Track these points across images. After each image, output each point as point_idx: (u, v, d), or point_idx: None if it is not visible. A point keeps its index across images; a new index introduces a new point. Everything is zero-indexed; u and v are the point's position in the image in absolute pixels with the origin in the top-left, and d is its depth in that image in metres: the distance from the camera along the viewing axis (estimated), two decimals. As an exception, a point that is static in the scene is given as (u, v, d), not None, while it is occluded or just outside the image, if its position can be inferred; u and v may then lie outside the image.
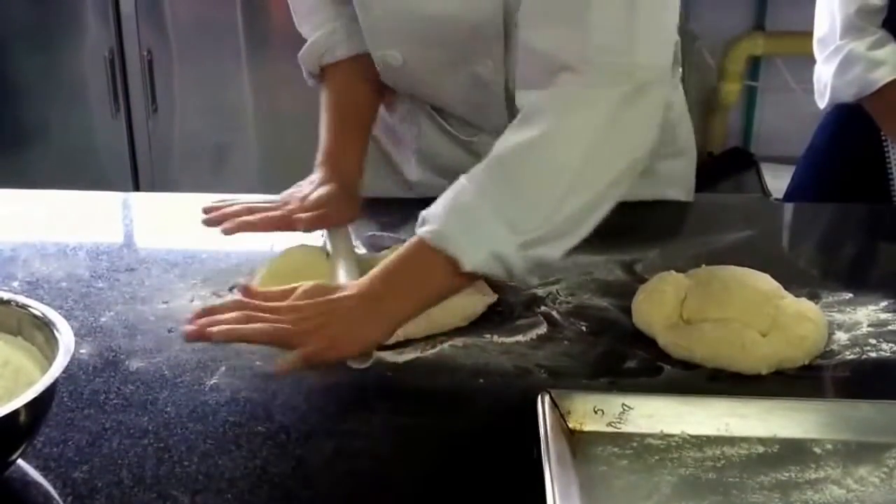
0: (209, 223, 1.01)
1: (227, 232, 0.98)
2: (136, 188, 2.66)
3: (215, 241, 1.10)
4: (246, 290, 0.87)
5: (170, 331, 0.94)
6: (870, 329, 0.95)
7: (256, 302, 0.85)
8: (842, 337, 0.94)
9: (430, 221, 0.86)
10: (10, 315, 0.80)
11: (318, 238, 1.06)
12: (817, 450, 0.79)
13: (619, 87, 0.87)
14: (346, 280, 0.94)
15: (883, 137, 1.38)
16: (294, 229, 1.02)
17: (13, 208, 1.23)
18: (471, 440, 0.80)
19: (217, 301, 0.98)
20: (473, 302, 0.96)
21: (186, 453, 0.78)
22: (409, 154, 1.24)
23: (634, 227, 1.14)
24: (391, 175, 1.27)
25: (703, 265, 1.01)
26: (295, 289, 0.86)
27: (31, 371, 0.77)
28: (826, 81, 1.35)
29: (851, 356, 0.92)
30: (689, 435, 0.79)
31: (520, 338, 0.93)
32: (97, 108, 2.58)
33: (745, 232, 1.14)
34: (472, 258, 0.84)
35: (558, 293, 1.01)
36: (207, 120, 2.63)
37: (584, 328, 0.95)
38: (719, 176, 2.84)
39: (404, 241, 1.02)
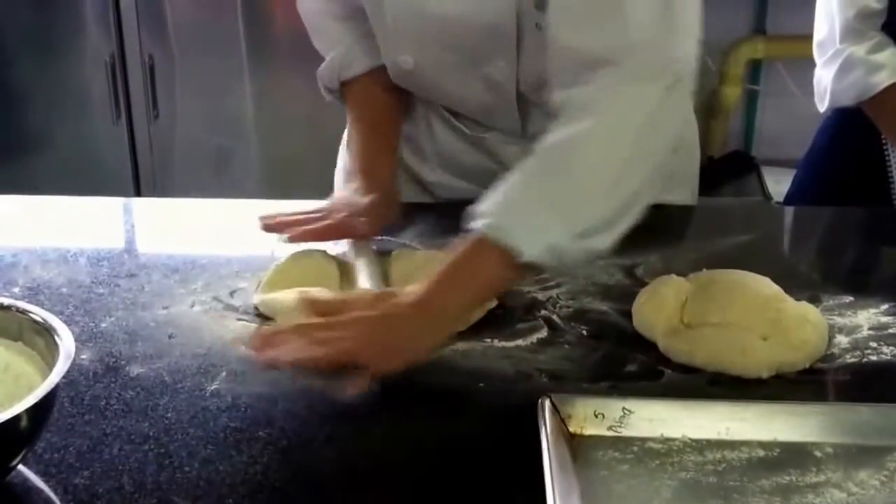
0: (268, 229, 1.02)
1: (292, 240, 1.00)
2: (138, 193, 2.66)
3: (216, 247, 1.10)
4: (305, 302, 0.87)
5: (170, 336, 0.94)
6: (870, 332, 0.95)
7: (317, 321, 0.85)
8: (842, 340, 0.94)
9: (485, 215, 0.87)
10: (10, 320, 0.81)
11: (322, 245, 1.06)
12: (818, 453, 0.79)
13: (659, 81, 0.91)
14: (369, 285, 0.95)
15: (883, 140, 1.38)
16: (354, 236, 1.04)
17: (14, 214, 1.23)
18: (471, 444, 0.80)
19: (219, 306, 0.98)
20: (474, 306, 0.96)
21: (187, 459, 0.78)
22: (425, 156, 1.25)
23: (635, 231, 1.13)
24: (409, 179, 1.27)
25: (704, 269, 1.01)
26: (351, 299, 0.87)
27: (32, 376, 0.78)
28: (826, 85, 1.35)
29: (852, 359, 0.92)
30: (689, 439, 0.79)
31: (520, 342, 0.93)
32: (98, 113, 2.59)
33: (746, 235, 1.14)
34: (530, 250, 0.85)
35: (559, 297, 1.01)
36: (208, 125, 2.63)
37: (584, 332, 0.95)
38: (720, 179, 2.84)
39: (405, 244, 1.03)
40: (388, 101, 1.20)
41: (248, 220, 1.16)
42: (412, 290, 0.86)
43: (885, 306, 1.00)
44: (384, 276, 1.00)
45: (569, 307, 0.99)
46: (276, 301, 0.96)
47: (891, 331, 0.96)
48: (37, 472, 0.76)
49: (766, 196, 2.74)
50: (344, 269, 1.03)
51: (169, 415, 0.83)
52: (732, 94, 2.82)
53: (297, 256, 1.03)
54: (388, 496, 0.75)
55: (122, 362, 0.90)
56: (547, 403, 0.79)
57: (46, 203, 1.26)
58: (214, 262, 1.07)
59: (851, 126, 1.40)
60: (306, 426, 0.82)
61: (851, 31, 1.31)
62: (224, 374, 0.88)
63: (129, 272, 1.05)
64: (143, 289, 1.02)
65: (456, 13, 1.03)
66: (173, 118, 2.62)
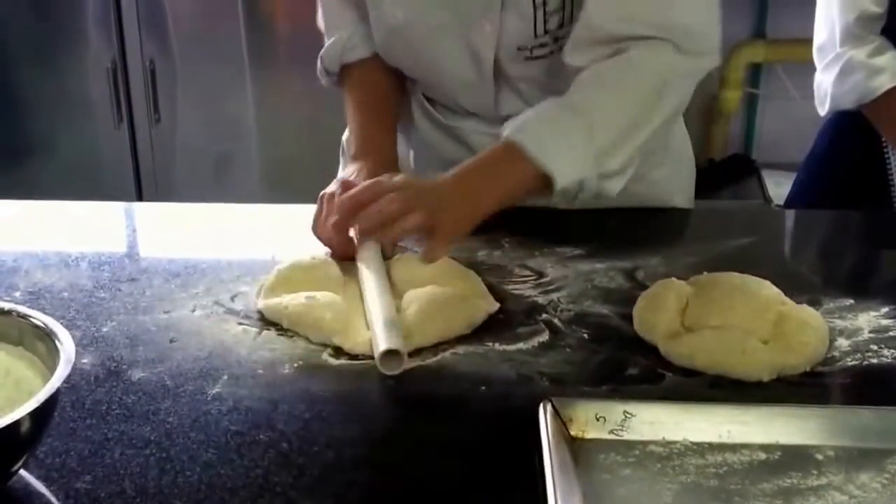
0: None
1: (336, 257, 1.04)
2: (139, 198, 2.67)
3: (217, 251, 1.10)
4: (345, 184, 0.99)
5: (172, 341, 0.94)
6: (871, 335, 0.95)
7: (368, 201, 0.93)
8: (843, 343, 0.94)
9: (526, 132, 0.98)
10: (11, 325, 0.81)
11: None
12: (819, 456, 0.79)
13: (688, 55, 1.04)
14: (375, 285, 0.96)
15: (883, 144, 1.38)
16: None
17: (15, 218, 1.23)
18: (473, 448, 0.80)
19: (220, 310, 0.98)
20: (475, 310, 0.97)
21: (189, 463, 0.78)
22: (406, 150, 1.27)
23: (636, 235, 1.14)
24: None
25: (705, 272, 1.01)
26: (380, 182, 0.95)
27: (33, 381, 0.78)
28: (826, 89, 1.35)
29: (853, 362, 0.92)
30: (691, 442, 0.79)
31: (521, 345, 0.94)
32: (100, 118, 2.59)
33: (747, 238, 1.14)
34: (563, 179, 0.98)
35: (559, 301, 1.01)
36: (210, 130, 2.64)
37: (585, 336, 0.95)
38: (721, 182, 2.84)
39: (406, 248, 1.03)
40: (388, 85, 1.22)
41: (249, 224, 1.17)
42: (444, 177, 0.97)
43: (885, 309, 1.00)
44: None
45: (570, 311, 0.99)
46: (279, 305, 0.96)
47: (891, 333, 0.96)
48: (38, 477, 0.76)
49: (766, 199, 2.75)
50: (347, 273, 1.03)
51: (170, 419, 0.83)
52: (733, 97, 2.83)
53: (299, 260, 1.03)
54: (389, 499, 0.75)
55: (124, 367, 0.90)
56: (548, 407, 0.79)
57: (48, 207, 1.26)
58: (215, 267, 1.07)
59: (852, 129, 1.40)
60: (308, 430, 0.82)
61: (852, 35, 1.31)
62: (225, 377, 0.88)
63: (131, 276, 1.05)
64: (145, 293, 1.02)
65: None
66: (174, 123, 2.62)
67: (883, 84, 1.29)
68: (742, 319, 0.93)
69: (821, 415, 0.81)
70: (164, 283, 1.04)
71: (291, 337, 0.94)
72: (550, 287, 1.03)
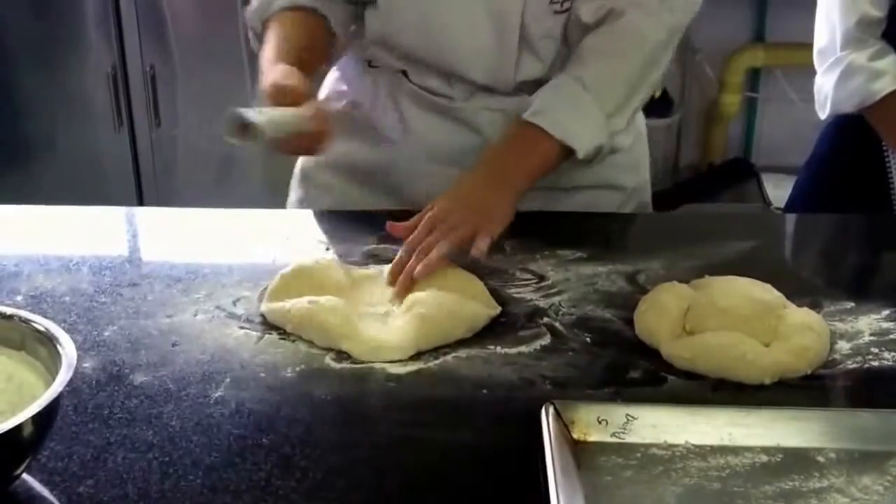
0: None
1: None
2: (140, 202, 2.67)
3: (218, 256, 1.10)
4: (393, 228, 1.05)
5: (174, 345, 0.94)
6: (871, 338, 0.96)
7: (420, 236, 1.02)
8: (844, 346, 0.94)
9: (545, 113, 1.09)
10: (13, 330, 0.81)
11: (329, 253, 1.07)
12: (821, 459, 0.79)
13: (671, 26, 1.16)
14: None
15: (884, 147, 1.38)
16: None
17: (17, 223, 1.23)
18: (475, 451, 0.80)
19: (222, 315, 0.98)
20: (477, 314, 0.97)
21: (191, 467, 0.78)
22: (395, 143, 1.26)
23: (637, 238, 1.15)
24: (384, 187, 1.27)
25: (706, 275, 1.02)
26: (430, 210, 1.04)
27: (35, 385, 0.78)
28: (827, 92, 1.35)
29: (853, 365, 0.92)
30: (692, 445, 0.80)
31: (523, 349, 0.94)
32: (101, 122, 2.60)
33: (748, 242, 1.14)
34: (585, 149, 1.10)
35: (561, 304, 1.01)
36: (210, 134, 2.64)
37: (587, 339, 0.95)
38: (720, 186, 2.85)
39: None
40: (311, 28, 1.18)
41: (250, 229, 1.17)
42: (473, 175, 1.08)
43: (885, 312, 1.00)
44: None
45: (571, 314, 0.99)
46: (283, 309, 0.97)
47: (892, 336, 0.96)
48: (41, 481, 0.76)
49: (766, 202, 2.75)
50: (351, 277, 1.03)
51: (173, 423, 0.83)
52: (732, 101, 2.83)
53: (303, 264, 1.03)
54: (391, 502, 0.75)
55: (126, 371, 0.90)
56: (550, 410, 0.79)
57: (49, 212, 1.26)
58: (217, 271, 1.07)
59: (852, 133, 1.40)
60: (310, 433, 0.82)
61: (852, 39, 1.31)
62: (228, 381, 0.88)
63: (132, 281, 1.05)
64: (146, 298, 1.02)
65: None
66: (175, 127, 2.62)
67: (884, 87, 1.29)
68: (743, 323, 0.93)
69: (822, 417, 0.82)
70: (166, 287, 1.04)
71: (293, 341, 0.95)
72: (552, 291, 1.03)
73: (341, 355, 0.92)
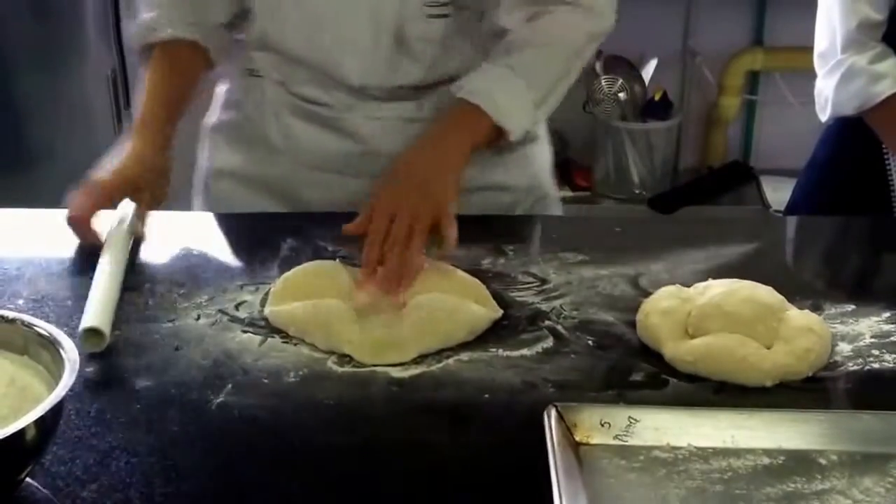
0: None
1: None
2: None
3: (220, 260, 1.10)
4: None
5: (176, 349, 0.94)
6: (872, 340, 0.96)
7: (380, 240, 1.02)
8: (845, 348, 0.95)
9: (482, 94, 1.12)
10: (16, 334, 0.81)
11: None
12: (822, 461, 0.79)
13: (595, 24, 1.20)
14: (108, 268, 1.02)
15: (884, 150, 1.38)
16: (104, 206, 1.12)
17: (18, 226, 1.23)
18: (478, 454, 0.80)
19: (224, 318, 0.98)
20: (479, 317, 0.97)
21: (194, 472, 0.78)
22: (279, 157, 1.26)
23: (638, 241, 1.15)
24: (280, 195, 1.28)
25: (708, 278, 1.02)
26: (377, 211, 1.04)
27: (38, 390, 0.78)
28: (828, 95, 1.35)
29: (855, 367, 0.92)
30: (695, 447, 0.80)
31: (525, 352, 0.94)
32: (100, 127, 2.59)
33: (749, 245, 1.14)
34: (517, 132, 1.15)
35: (563, 307, 1.01)
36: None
37: (589, 342, 0.96)
38: (720, 189, 2.85)
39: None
40: (186, 68, 1.23)
41: (252, 233, 1.17)
42: (408, 159, 1.10)
43: (886, 314, 1.00)
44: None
45: (573, 317, 0.99)
46: (287, 312, 0.97)
47: (892, 339, 0.96)
48: (44, 486, 0.76)
49: (765, 205, 2.76)
50: (354, 280, 1.03)
51: (175, 427, 0.83)
52: (731, 104, 2.84)
53: (306, 267, 1.04)
54: (395, 507, 0.76)
55: (128, 375, 0.90)
56: (553, 413, 0.79)
57: (50, 215, 1.26)
58: (219, 275, 1.07)
59: (852, 136, 1.40)
60: (313, 437, 0.82)
61: (853, 42, 1.31)
62: (230, 386, 0.88)
63: (134, 285, 1.05)
64: (148, 302, 1.02)
65: None
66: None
67: (884, 90, 1.30)
68: (745, 325, 0.93)
69: (824, 419, 0.82)
70: (168, 291, 1.04)
71: (296, 345, 0.95)
72: (554, 294, 1.03)
73: (343, 359, 0.92)
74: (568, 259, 1.10)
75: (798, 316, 0.96)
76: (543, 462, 0.76)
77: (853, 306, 1.01)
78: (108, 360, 0.92)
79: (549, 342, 0.95)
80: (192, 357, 0.92)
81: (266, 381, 0.89)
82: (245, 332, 0.97)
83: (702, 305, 0.96)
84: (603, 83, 2.70)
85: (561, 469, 0.74)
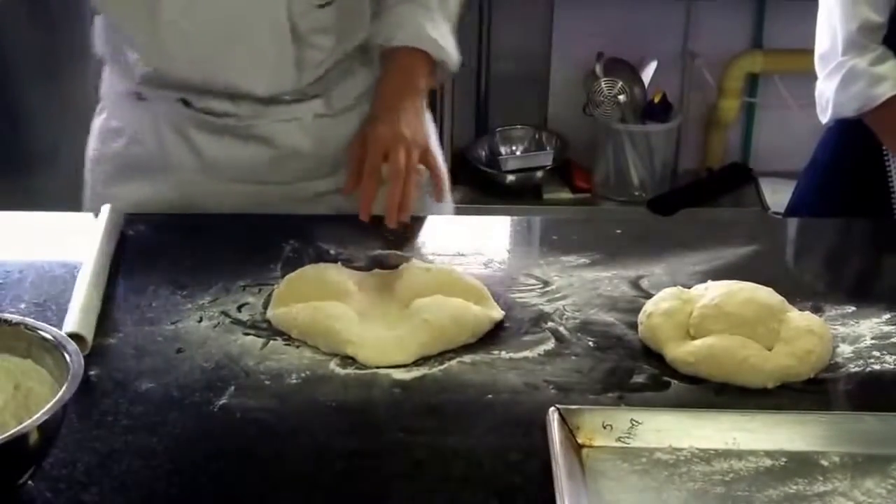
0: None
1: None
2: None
3: (223, 262, 1.10)
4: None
5: (178, 351, 0.94)
6: (873, 342, 0.96)
7: (378, 173, 1.09)
8: (846, 350, 0.95)
9: (422, 38, 1.17)
10: (19, 338, 0.81)
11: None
12: (824, 462, 0.79)
13: None
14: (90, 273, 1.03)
15: (884, 152, 1.39)
16: None
17: (20, 230, 1.23)
18: (480, 456, 0.80)
19: (227, 321, 0.99)
20: (481, 319, 0.97)
21: (196, 474, 0.78)
22: (193, 175, 1.24)
23: (639, 243, 1.15)
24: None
25: (708, 280, 1.02)
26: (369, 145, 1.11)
27: (41, 393, 0.78)
28: (828, 97, 1.36)
29: (856, 369, 0.92)
30: (697, 449, 0.80)
31: (527, 353, 0.94)
32: (101, 131, 2.59)
33: (749, 247, 1.14)
34: (455, 63, 1.21)
35: (565, 309, 1.01)
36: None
37: (591, 343, 0.96)
38: (719, 191, 2.85)
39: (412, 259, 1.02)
40: None
41: (254, 235, 1.17)
42: (390, 104, 1.15)
43: (886, 315, 1.00)
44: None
45: (575, 319, 1.00)
46: (290, 315, 0.97)
47: (893, 340, 0.96)
48: (46, 489, 0.76)
49: (764, 207, 2.76)
50: (357, 281, 1.03)
51: (177, 430, 0.83)
52: (731, 107, 2.84)
53: (309, 269, 1.04)
54: (397, 509, 0.76)
55: (131, 378, 0.90)
56: (555, 415, 0.80)
57: (52, 219, 1.26)
58: (221, 277, 1.07)
59: (853, 137, 1.40)
60: (315, 439, 0.82)
61: (854, 44, 1.32)
62: (233, 388, 0.89)
63: (137, 288, 1.05)
64: (151, 304, 1.02)
65: None
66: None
67: (885, 92, 1.30)
68: (746, 327, 0.93)
69: (825, 421, 0.82)
70: (171, 293, 1.04)
71: (298, 347, 0.95)
72: (556, 295, 1.04)
73: (346, 361, 0.93)
74: (570, 261, 1.10)
75: (799, 317, 0.96)
76: (546, 464, 0.76)
77: (854, 308, 1.01)
78: (110, 363, 0.92)
79: (550, 344, 0.95)
80: (195, 359, 0.93)
81: (268, 383, 0.89)
82: (247, 334, 0.97)
83: (703, 307, 0.96)
84: (603, 85, 2.70)
85: (564, 471, 0.74)
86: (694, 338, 0.94)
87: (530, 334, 0.97)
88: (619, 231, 1.19)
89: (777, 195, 2.62)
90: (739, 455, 0.79)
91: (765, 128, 2.91)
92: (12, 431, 0.69)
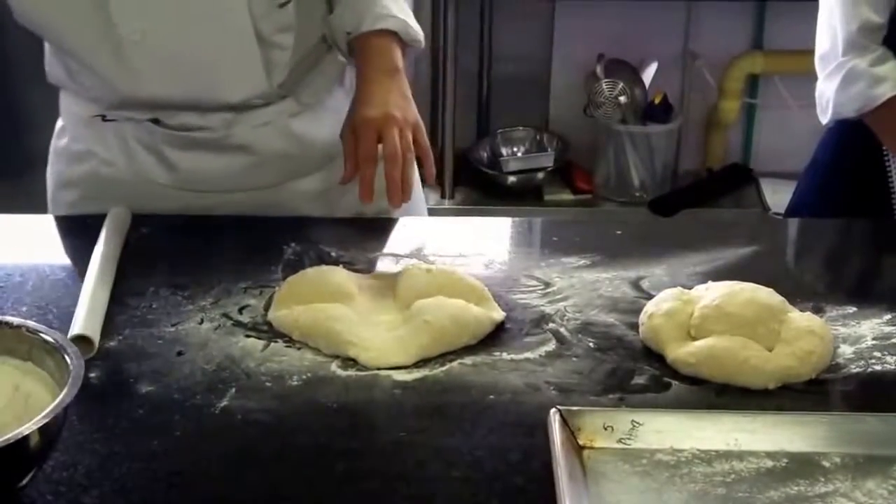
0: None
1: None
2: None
3: (224, 264, 1.10)
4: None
5: (179, 354, 0.94)
6: (874, 342, 0.96)
7: (374, 158, 1.10)
8: (847, 350, 0.95)
9: (390, 20, 1.17)
10: (20, 340, 0.81)
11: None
12: (825, 463, 0.79)
13: None
14: (97, 273, 1.03)
15: (885, 152, 1.39)
16: None
17: (22, 232, 1.23)
18: (481, 458, 0.80)
19: (228, 322, 0.99)
20: (482, 320, 0.97)
21: (197, 477, 0.78)
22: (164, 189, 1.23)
23: (639, 244, 1.15)
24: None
25: (709, 281, 1.02)
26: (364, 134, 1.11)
27: (42, 396, 0.78)
28: (829, 97, 1.35)
29: (857, 369, 0.92)
30: (698, 450, 0.80)
31: (528, 355, 0.94)
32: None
33: (750, 247, 1.14)
34: (422, 37, 1.21)
35: (566, 310, 1.01)
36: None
37: (591, 345, 0.96)
38: (720, 192, 2.85)
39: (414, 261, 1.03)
40: None
41: (255, 237, 1.17)
42: (366, 87, 1.15)
43: (887, 316, 1.00)
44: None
45: (576, 320, 1.00)
46: (291, 317, 0.97)
47: (894, 340, 0.96)
48: (46, 491, 0.76)
49: (765, 207, 2.76)
50: (358, 284, 1.03)
51: (178, 432, 0.83)
52: (731, 107, 2.84)
53: (310, 271, 1.04)
54: (398, 510, 0.76)
55: (131, 380, 0.90)
56: (557, 417, 0.80)
57: (52, 221, 1.26)
58: (222, 279, 1.07)
59: (853, 138, 1.40)
60: (316, 442, 0.82)
61: (854, 45, 1.32)
62: (233, 390, 0.89)
63: (137, 290, 1.05)
64: (152, 306, 1.02)
65: None
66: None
67: (885, 93, 1.30)
68: (747, 328, 0.93)
69: (826, 422, 0.82)
70: (171, 295, 1.04)
71: (299, 348, 0.95)
72: (557, 297, 1.04)
73: (347, 363, 0.93)
74: (570, 263, 1.10)
75: (799, 318, 0.96)
76: (547, 465, 0.76)
77: (854, 308, 1.01)
78: (111, 365, 0.92)
79: (552, 345, 0.95)
80: (196, 361, 0.93)
81: (269, 385, 0.89)
82: (248, 336, 0.97)
83: (703, 307, 0.96)
84: (604, 87, 2.70)
85: (565, 473, 0.74)
86: (695, 339, 0.94)
87: (531, 335, 0.97)
88: (619, 232, 1.19)
89: (777, 196, 2.62)
90: (740, 456, 0.79)
91: (765, 128, 2.91)
92: (13, 434, 0.69)
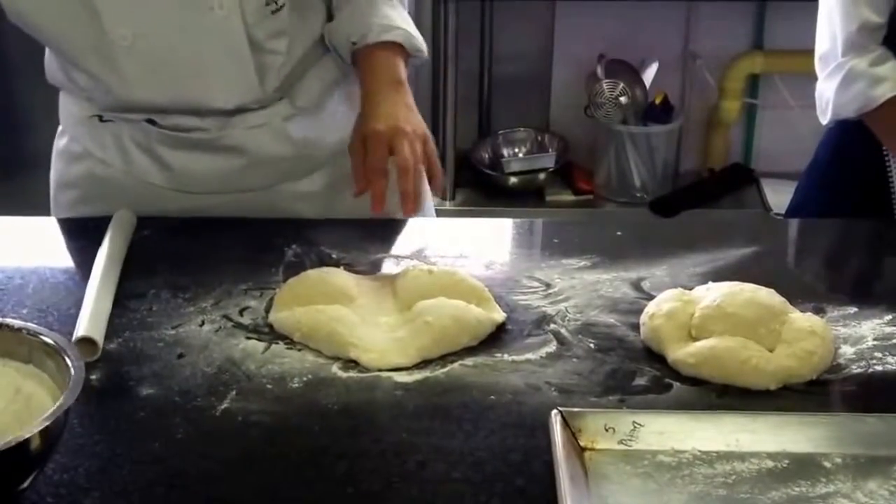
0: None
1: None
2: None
3: (224, 265, 1.10)
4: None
5: (180, 356, 0.94)
6: (875, 343, 0.96)
7: (385, 170, 1.10)
8: (848, 351, 0.95)
9: (394, 32, 1.17)
10: (21, 343, 0.81)
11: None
12: (827, 464, 0.79)
13: None
14: (100, 276, 1.03)
15: (885, 152, 1.39)
16: None
17: (22, 235, 1.24)
18: (483, 459, 0.80)
19: (228, 325, 0.99)
20: (483, 321, 0.97)
21: (197, 479, 0.78)
22: (163, 189, 1.23)
23: (639, 245, 1.15)
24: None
25: (710, 281, 1.02)
26: (373, 141, 1.11)
27: (43, 398, 0.78)
28: (828, 98, 1.35)
29: (858, 370, 0.92)
30: (699, 451, 0.80)
31: (529, 356, 0.94)
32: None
33: (750, 248, 1.14)
34: (426, 51, 1.22)
35: (567, 311, 1.01)
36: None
37: (592, 346, 0.96)
38: (720, 192, 2.85)
39: (415, 262, 1.03)
40: None
41: (256, 239, 1.17)
42: (373, 100, 1.15)
43: (888, 316, 1.00)
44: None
45: (577, 321, 1.00)
46: (292, 319, 0.97)
47: (895, 341, 0.96)
48: (47, 494, 0.76)
49: (766, 208, 2.76)
50: (359, 286, 1.03)
51: (179, 435, 0.83)
52: (732, 107, 2.84)
53: (311, 273, 1.04)
54: (399, 512, 0.76)
55: (132, 383, 0.90)
56: (558, 418, 0.80)
57: (53, 224, 1.27)
58: (223, 281, 1.07)
59: (853, 138, 1.40)
60: (317, 443, 0.82)
61: (854, 45, 1.32)
62: (234, 393, 0.89)
63: (138, 292, 1.05)
64: (152, 308, 1.02)
65: None
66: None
67: (884, 93, 1.30)
68: (748, 328, 0.93)
69: (828, 423, 0.82)
70: (172, 297, 1.04)
71: (300, 350, 0.95)
72: (558, 297, 1.04)
73: (348, 364, 0.93)
74: (571, 264, 1.11)
75: (800, 318, 0.96)
76: (548, 466, 0.76)
77: (855, 308, 1.01)
78: (111, 368, 0.92)
79: (552, 346, 0.95)
80: (196, 364, 0.93)
81: (270, 386, 0.89)
82: (249, 338, 0.97)
83: (704, 308, 0.96)
84: (604, 87, 2.70)
85: (566, 475, 0.74)
86: (695, 339, 0.94)
87: (532, 336, 0.97)
88: (620, 233, 1.19)
89: (778, 196, 2.62)
90: (742, 457, 0.79)
91: (766, 128, 2.91)
92: (14, 437, 0.69)
